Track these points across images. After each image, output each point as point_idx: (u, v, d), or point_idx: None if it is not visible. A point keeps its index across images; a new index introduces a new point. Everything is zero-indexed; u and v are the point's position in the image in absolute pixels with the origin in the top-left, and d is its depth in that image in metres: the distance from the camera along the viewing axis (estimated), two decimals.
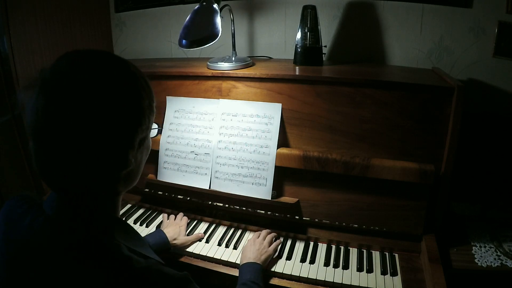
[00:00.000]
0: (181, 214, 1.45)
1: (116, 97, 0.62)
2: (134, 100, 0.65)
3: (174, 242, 1.27)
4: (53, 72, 0.61)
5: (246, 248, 1.22)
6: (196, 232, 1.38)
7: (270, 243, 1.24)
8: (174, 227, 1.33)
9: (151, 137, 0.79)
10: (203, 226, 1.43)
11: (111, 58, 0.67)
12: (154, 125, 0.80)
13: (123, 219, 1.48)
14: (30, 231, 0.66)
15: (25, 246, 0.65)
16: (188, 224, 1.43)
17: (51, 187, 0.67)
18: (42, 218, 0.67)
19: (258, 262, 1.14)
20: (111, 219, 0.71)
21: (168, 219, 1.43)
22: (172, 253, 1.28)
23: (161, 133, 0.88)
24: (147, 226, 1.43)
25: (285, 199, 1.34)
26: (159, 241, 1.24)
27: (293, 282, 1.17)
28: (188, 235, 1.35)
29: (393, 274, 1.16)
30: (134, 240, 0.72)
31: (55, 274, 0.62)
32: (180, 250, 1.29)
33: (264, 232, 1.30)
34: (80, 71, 0.61)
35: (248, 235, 1.36)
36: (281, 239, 1.33)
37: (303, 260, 1.23)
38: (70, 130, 0.59)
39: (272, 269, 1.19)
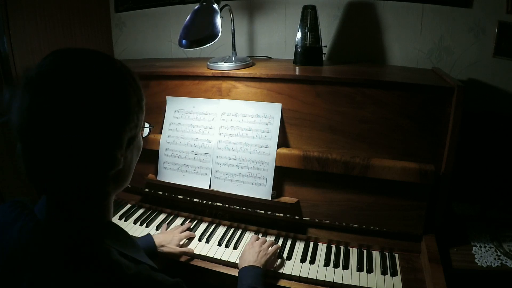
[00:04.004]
0: (184, 226, 1.38)
1: (101, 95, 0.61)
2: (120, 97, 0.64)
3: (162, 249, 1.23)
4: (37, 71, 0.60)
5: (245, 251, 1.19)
6: (196, 232, 1.38)
7: (270, 247, 1.22)
8: (168, 235, 1.29)
9: (144, 137, 0.78)
10: (203, 226, 1.42)
11: (96, 56, 0.65)
12: (146, 124, 0.78)
13: (123, 219, 1.48)
14: (21, 236, 0.64)
15: (16, 252, 0.63)
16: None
17: (40, 191, 0.65)
18: (33, 223, 0.65)
19: (259, 266, 1.11)
20: (101, 222, 0.70)
21: (169, 228, 1.39)
22: (163, 258, 1.25)
23: (150, 132, 0.86)
24: (147, 226, 1.43)
25: (285, 199, 1.34)
26: (145, 245, 1.19)
27: (293, 282, 1.17)
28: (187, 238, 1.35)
29: (393, 274, 1.16)
30: (126, 244, 0.70)
31: (45, 279, 0.60)
32: (170, 257, 1.26)
33: (262, 237, 1.29)
34: (63, 70, 0.60)
35: (248, 235, 1.36)
36: (269, 236, 1.33)
37: (303, 260, 1.23)
38: (54, 129, 0.58)
39: (272, 269, 1.19)
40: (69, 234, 0.63)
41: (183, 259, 1.27)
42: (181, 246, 1.29)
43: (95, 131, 0.60)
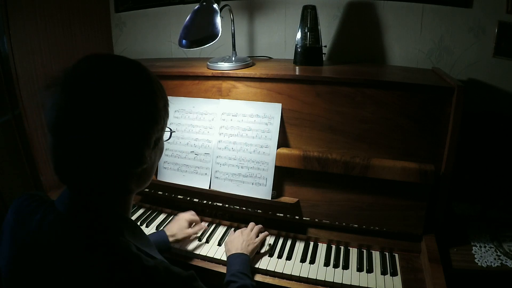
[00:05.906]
0: (188, 213, 1.37)
1: (134, 97, 0.66)
2: (151, 100, 0.69)
3: (174, 238, 1.25)
4: (74, 72, 0.65)
5: (233, 238, 1.23)
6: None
7: (257, 235, 1.26)
8: (175, 223, 1.30)
9: (165, 140, 0.84)
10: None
11: (127, 61, 0.71)
12: (167, 128, 0.83)
13: None
14: (40, 227, 0.68)
15: (33, 242, 0.67)
16: None
17: (66, 183, 0.70)
18: (53, 214, 0.69)
19: (246, 253, 1.16)
20: (121, 217, 0.73)
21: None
22: (173, 253, 1.27)
23: (170, 136, 0.92)
24: (147, 226, 1.43)
25: (285, 199, 1.34)
26: (158, 239, 1.22)
27: (293, 282, 1.17)
28: None
29: (393, 274, 1.16)
30: (142, 240, 0.75)
31: (63, 269, 0.64)
32: (182, 247, 1.27)
33: (251, 224, 1.32)
34: (99, 73, 0.65)
35: None
36: (269, 236, 1.33)
37: (303, 260, 1.23)
38: (88, 127, 0.62)
39: (273, 269, 1.19)
40: (90, 226, 0.67)
41: (183, 259, 1.27)
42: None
43: (128, 130, 0.65)
